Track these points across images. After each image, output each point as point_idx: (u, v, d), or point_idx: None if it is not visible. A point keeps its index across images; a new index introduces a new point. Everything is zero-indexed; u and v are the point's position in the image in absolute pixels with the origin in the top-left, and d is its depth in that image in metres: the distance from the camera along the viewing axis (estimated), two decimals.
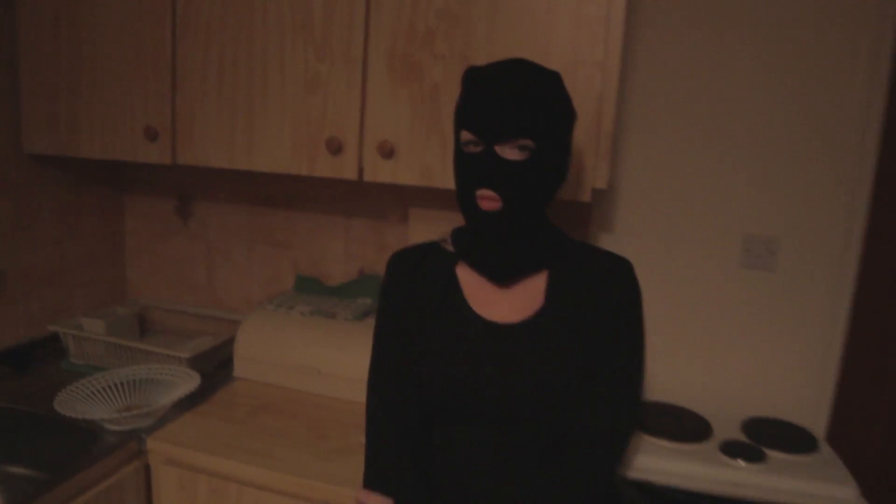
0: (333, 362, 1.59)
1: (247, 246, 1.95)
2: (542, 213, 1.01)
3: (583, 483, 0.95)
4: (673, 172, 1.57)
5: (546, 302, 0.99)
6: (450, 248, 1.06)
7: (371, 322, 1.56)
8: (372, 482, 1.03)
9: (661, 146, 1.57)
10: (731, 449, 1.36)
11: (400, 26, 1.32)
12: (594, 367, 0.96)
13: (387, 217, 1.79)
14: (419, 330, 1.01)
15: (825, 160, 1.47)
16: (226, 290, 2.00)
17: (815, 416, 1.54)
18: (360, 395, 1.40)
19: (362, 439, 1.11)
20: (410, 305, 1.04)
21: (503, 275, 1.01)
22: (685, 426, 1.46)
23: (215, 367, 1.74)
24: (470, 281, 1.04)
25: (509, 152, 0.93)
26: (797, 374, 1.55)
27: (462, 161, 0.96)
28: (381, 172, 1.38)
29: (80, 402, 1.42)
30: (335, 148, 1.38)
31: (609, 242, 1.64)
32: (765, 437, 1.42)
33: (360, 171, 1.40)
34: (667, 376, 1.64)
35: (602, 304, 0.99)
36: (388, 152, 1.35)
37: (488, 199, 0.94)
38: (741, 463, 1.31)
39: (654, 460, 1.31)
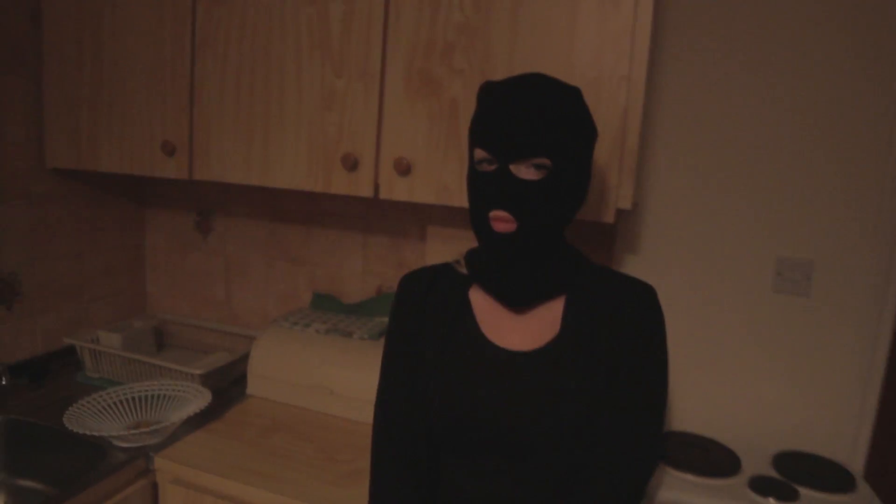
0: (347, 382, 1.55)
1: (265, 262, 1.93)
2: (560, 236, 0.96)
3: None
4: (702, 191, 1.51)
5: (562, 329, 0.94)
6: (463, 270, 1.02)
7: None
8: None
9: (689, 164, 1.51)
10: (761, 486, 1.28)
11: (418, 40, 1.29)
12: (613, 398, 0.91)
13: (406, 234, 1.76)
14: (428, 356, 0.97)
15: (863, 178, 1.39)
16: (243, 305, 1.99)
17: (852, 451, 1.46)
18: (371, 416, 1.36)
19: None
20: (420, 330, 1.00)
21: (517, 300, 0.96)
22: (712, 459, 1.39)
23: (230, 384, 1.72)
24: (483, 305, 0.99)
25: (525, 171, 0.88)
26: (833, 405, 1.46)
27: (475, 180, 0.92)
28: (397, 190, 1.34)
29: (90, 418, 1.41)
30: (351, 164, 1.35)
31: (634, 265, 1.58)
32: (797, 474, 1.34)
33: (376, 188, 1.37)
34: (693, 405, 1.57)
35: (622, 331, 0.93)
36: (404, 169, 1.32)
37: (502, 221, 0.89)
38: (772, 501, 1.24)
39: (678, 495, 1.25)
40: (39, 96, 1.66)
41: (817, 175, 1.42)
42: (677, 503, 1.24)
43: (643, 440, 0.91)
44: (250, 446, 1.40)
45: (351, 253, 1.83)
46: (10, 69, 1.60)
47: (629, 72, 1.19)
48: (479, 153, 0.91)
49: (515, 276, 0.94)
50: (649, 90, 1.51)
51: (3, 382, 1.44)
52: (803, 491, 1.28)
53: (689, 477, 1.32)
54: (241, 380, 1.71)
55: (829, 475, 1.35)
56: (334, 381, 1.57)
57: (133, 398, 1.50)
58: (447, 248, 1.57)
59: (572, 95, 0.91)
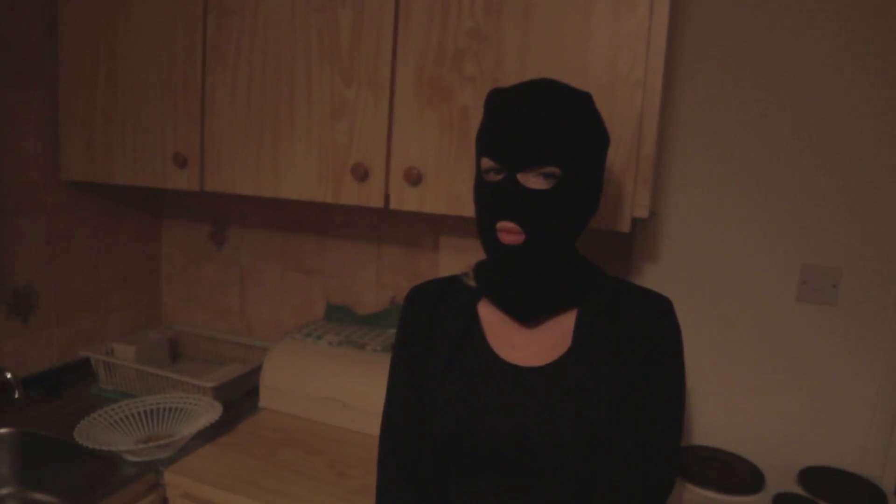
0: (359, 395, 1.53)
1: (279, 272, 1.93)
2: (571, 247, 0.93)
3: None
4: (723, 198, 1.47)
5: (574, 344, 0.90)
6: (471, 282, 0.99)
7: None
8: None
9: (709, 170, 1.47)
10: (786, 503, 1.24)
11: (428, 47, 1.27)
12: (626, 415, 0.87)
13: (419, 245, 1.74)
14: (435, 371, 0.94)
15: (892, 181, 1.34)
16: (258, 316, 1.98)
17: (881, 466, 1.40)
18: None
19: None
20: (427, 344, 0.97)
21: (526, 314, 0.93)
22: (734, 475, 1.34)
23: (243, 396, 1.71)
24: (492, 319, 0.96)
25: (533, 181, 0.85)
26: (861, 418, 1.41)
27: (482, 190, 0.90)
28: (407, 200, 1.32)
29: (101, 431, 1.40)
30: (361, 175, 1.33)
31: (653, 274, 1.54)
32: (825, 490, 1.29)
33: (387, 198, 1.35)
34: (715, 419, 1.52)
35: (636, 346, 0.89)
36: (415, 179, 1.30)
37: (509, 232, 0.86)
38: None
39: None
40: (55, 109, 1.67)
41: (844, 179, 1.38)
42: None
43: (659, 459, 0.87)
44: (261, 461, 1.38)
45: (365, 264, 1.81)
46: (26, 83, 1.61)
47: (645, 76, 1.15)
48: (486, 162, 0.88)
49: (524, 290, 0.91)
50: (666, 95, 1.47)
51: (17, 396, 1.44)
52: None
53: (711, 494, 1.28)
54: (254, 392, 1.70)
55: (858, 492, 1.30)
56: (347, 394, 1.55)
57: (144, 411, 1.49)
58: (461, 258, 1.54)
59: (582, 101, 0.88)
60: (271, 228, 1.92)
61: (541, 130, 0.83)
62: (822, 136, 1.38)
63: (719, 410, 1.52)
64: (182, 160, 1.50)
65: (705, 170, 1.48)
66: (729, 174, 1.46)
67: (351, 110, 1.35)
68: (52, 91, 1.66)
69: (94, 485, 1.30)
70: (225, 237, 1.99)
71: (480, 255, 0.99)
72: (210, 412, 1.47)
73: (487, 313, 0.97)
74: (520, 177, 0.85)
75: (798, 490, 1.31)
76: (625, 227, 1.20)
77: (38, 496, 1.45)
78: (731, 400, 1.50)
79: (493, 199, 0.87)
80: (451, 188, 1.29)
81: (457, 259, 1.54)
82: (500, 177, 0.87)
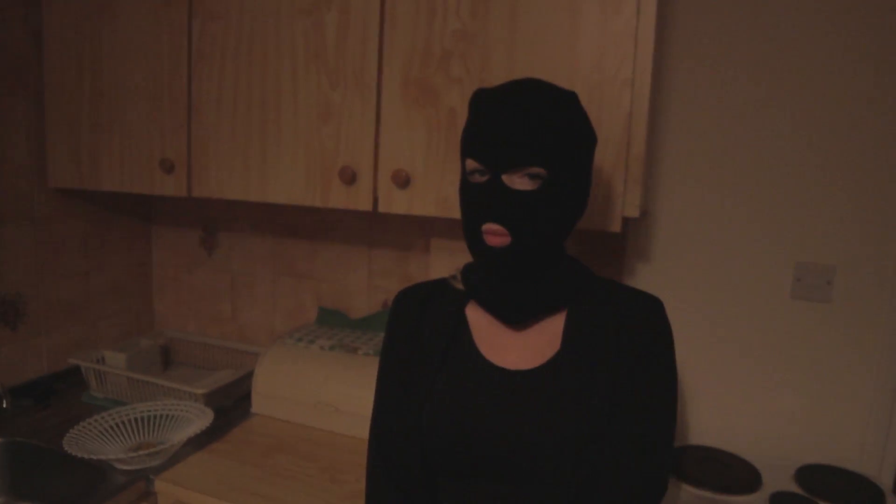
0: (352, 399, 1.52)
1: (270, 277, 1.91)
2: (559, 248, 0.92)
3: None
4: (716, 197, 1.46)
5: (563, 346, 0.89)
6: (459, 285, 0.98)
7: None
8: None
9: (702, 169, 1.47)
10: (783, 503, 1.22)
11: (415, 49, 1.26)
12: (618, 418, 0.86)
13: (411, 248, 1.73)
14: (422, 375, 0.93)
15: (888, 179, 1.33)
16: (250, 321, 1.97)
17: (879, 463, 1.39)
18: None
19: None
20: (414, 348, 0.96)
21: (514, 316, 0.91)
22: (730, 475, 1.33)
23: (235, 402, 1.69)
24: (480, 322, 0.95)
25: (518, 182, 0.84)
26: (858, 415, 1.40)
27: (467, 192, 0.88)
28: (396, 203, 1.31)
29: (91, 440, 1.39)
30: (349, 178, 1.32)
31: (646, 274, 1.53)
32: (822, 489, 1.28)
33: (375, 201, 1.33)
34: (711, 418, 1.51)
35: (626, 347, 0.88)
36: (403, 181, 1.28)
37: (495, 235, 0.85)
38: None
39: None
40: (41, 116, 1.66)
41: (837, 176, 1.37)
42: None
43: (652, 460, 0.86)
44: (253, 467, 1.37)
45: (356, 267, 1.80)
46: (11, 90, 1.60)
47: (633, 75, 1.14)
48: (471, 163, 0.87)
49: (511, 292, 0.90)
50: (656, 94, 1.46)
51: (4, 406, 1.43)
52: None
53: (707, 494, 1.27)
54: (246, 398, 1.68)
55: (856, 490, 1.29)
56: (339, 398, 1.53)
57: (135, 419, 1.48)
58: (452, 261, 1.53)
59: (568, 100, 0.87)
60: (262, 233, 1.91)
61: (525, 130, 0.82)
62: (814, 133, 1.37)
63: (715, 410, 1.51)
64: (169, 166, 1.49)
65: (698, 168, 1.47)
66: (722, 173, 1.45)
67: (338, 113, 1.34)
68: (37, 98, 1.65)
69: (84, 494, 1.29)
70: (216, 243, 1.97)
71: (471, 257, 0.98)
72: (201, 419, 1.46)
73: (476, 316, 0.96)
74: (505, 178, 0.84)
75: (795, 489, 1.30)
76: (615, 227, 1.19)
77: None
78: (727, 399, 1.49)
79: (478, 201, 0.86)
80: (439, 190, 1.27)
81: (448, 261, 1.53)
82: (484, 178, 0.86)
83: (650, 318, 0.91)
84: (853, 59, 1.33)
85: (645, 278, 1.53)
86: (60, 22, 1.59)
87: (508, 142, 0.82)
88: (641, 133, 1.16)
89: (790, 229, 1.42)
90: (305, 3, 1.34)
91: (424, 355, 0.94)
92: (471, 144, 0.86)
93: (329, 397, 1.54)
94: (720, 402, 1.50)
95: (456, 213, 1.26)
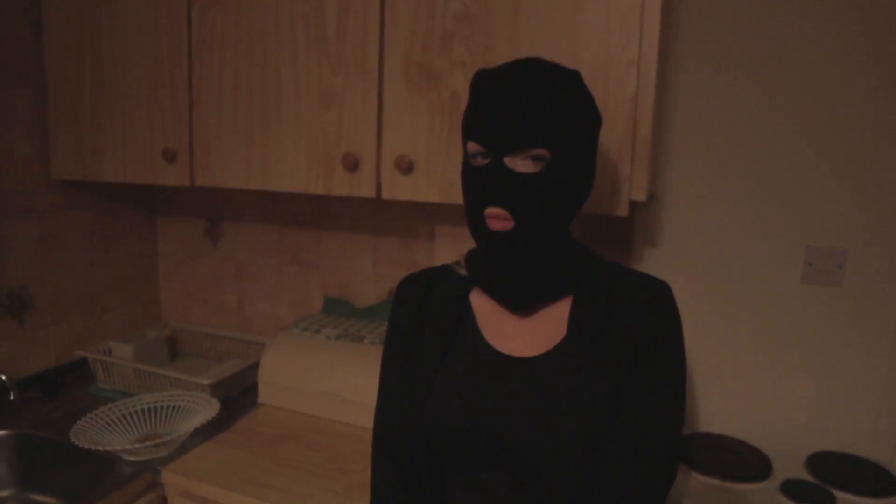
0: (358, 388, 1.51)
1: (276, 267, 1.91)
2: (564, 232, 0.90)
3: None
4: (725, 180, 1.44)
5: (569, 332, 0.88)
6: (463, 271, 0.96)
7: None
8: None
9: (711, 151, 1.44)
10: (794, 490, 1.21)
11: (416, 32, 1.24)
12: (624, 406, 0.84)
13: (415, 235, 1.71)
14: (426, 363, 0.91)
15: None
16: (256, 311, 1.96)
17: (891, 450, 1.37)
18: None
19: None
20: (418, 336, 0.94)
21: (518, 302, 0.90)
22: (740, 462, 1.32)
23: (241, 392, 1.69)
24: (484, 309, 0.94)
25: (520, 164, 0.82)
26: (870, 401, 1.38)
27: (469, 175, 0.86)
28: (399, 189, 1.29)
29: (98, 431, 1.39)
30: (352, 165, 1.31)
31: (655, 258, 1.51)
32: (833, 476, 1.26)
33: (379, 188, 1.32)
34: (720, 405, 1.49)
35: (634, 333, 0.86)
36: (406, 168, 1.27)
37: (497, 219, 0.83)
38: None
39: (705, 502, 1.18)
40: (43, 108, 1.65)
41: (847, 159, 1.34)
42: None
43: (660, 448, 0.85)
44: (259, 457, 1.37)
45: (361, 255, 1.79)
46: (13, 83, 1.59)
47: (639, 55, 1.12)
48: (472, 146, 0.85)
49: (515, 277, 0.89)
50: (663, 75, 1.44)
51: (12, 398, 1.43)
52: (840, 495, 1.21)
53: (716, 482, 1.25)
54: (252, 388, 1.68)
55: (868, 477, 1.27)
56: (345, 388, 1.53)
57: (141, 410, 1.48)
58: (457, 247, 1.52)
59: (571, 79, 0.84)
60: (267, 223, 1.90)
61: (527, 111, 0.80)
62: (825, 116, 1.34)
63: (725, 397, 1.49)
64: (171, 155, 1.48)
65: (707, 151, 1.44)
66: (731, 156, 1.43)
67: (339, 99, 1.32)
68: (39, 90, 1.64)
69: (92, 485, 1.29)
70: (220, 233, 1.97)
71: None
72: (208, 409, 1.45)
73: (480, 303, 0.94)
74: (507, 160, 0.82)
75: (807, 476, 1.28)
76: (622, 210, 1.17)
77: (38, 497, 1.44)
78: (737, 385, 1.48)
79: (479, 185, 0.84)
80: (443, 176, 1.26)
81: (453, 248, 1.52)
82: (486, 161, 0.84)
83: (658, 303, 0.89)
84: (866, 42, 1.30)
85: (653, 263, 1.51)
86: (59, 14, 1.58)
87: (510, 123, 0.81)
88: (648, 114, 1.13)
89: (800, 213, 1.39)
90: None
91: (428, 342, 0.93)
92: (472, 127, 0.84)
93: (335, 387, 1.53)
94: (730, 388, 1.48)
95: (460, 199, 1.24)
